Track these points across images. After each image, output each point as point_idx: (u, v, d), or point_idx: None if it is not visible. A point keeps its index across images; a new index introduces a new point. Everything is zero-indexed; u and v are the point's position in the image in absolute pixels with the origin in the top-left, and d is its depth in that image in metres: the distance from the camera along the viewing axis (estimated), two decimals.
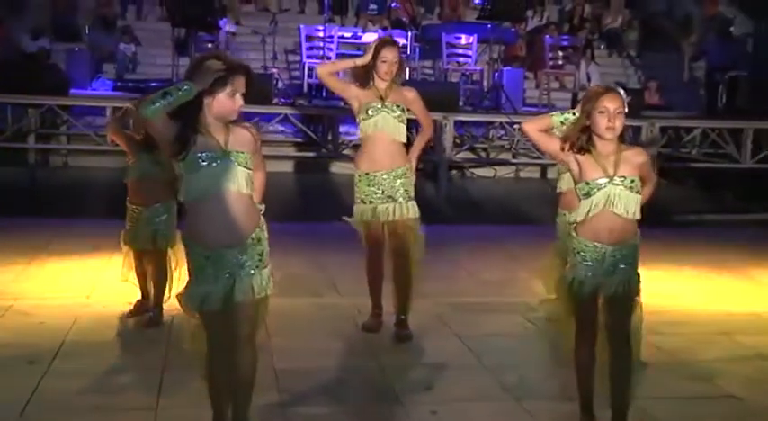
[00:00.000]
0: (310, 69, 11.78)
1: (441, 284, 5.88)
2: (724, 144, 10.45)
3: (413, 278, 4.83)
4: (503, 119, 10.67)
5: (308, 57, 11.96)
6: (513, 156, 10.81)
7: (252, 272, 3.09)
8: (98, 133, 9.35)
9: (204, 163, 3.00)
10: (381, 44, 4.70)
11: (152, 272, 4.91)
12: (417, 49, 12.62)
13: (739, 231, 8.53)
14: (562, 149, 3.40)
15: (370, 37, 12.09)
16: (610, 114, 3.28)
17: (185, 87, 2.92)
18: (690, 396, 4.12)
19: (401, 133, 4.70)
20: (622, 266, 3.38)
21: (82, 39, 12.98)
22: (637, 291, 3.43)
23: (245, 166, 3.06)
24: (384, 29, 13.07)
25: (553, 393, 4.10)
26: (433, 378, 4.25)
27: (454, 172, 10.73)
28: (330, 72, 4.92)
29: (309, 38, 12.08)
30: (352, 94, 4.75)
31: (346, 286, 5.69)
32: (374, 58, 4.63)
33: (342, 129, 10.04)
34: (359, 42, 12.16)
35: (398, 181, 4.68)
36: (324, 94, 11.41)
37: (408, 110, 4.75)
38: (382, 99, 4.66)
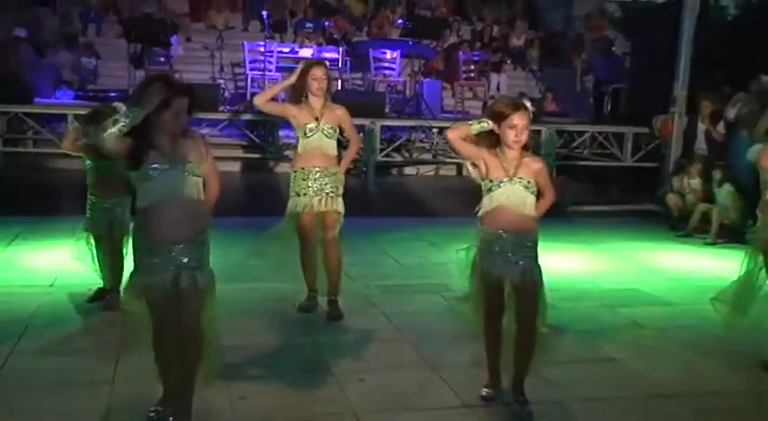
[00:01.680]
0: (253, 80, 11.69)
1: (369, 269, 5.91)
2: (609, 145, 10.82)
3: (342, 263, 4.84)
4: (423, 123, 10.77)
5: (251, 69, 11.84)
6: (433, 157, 10.92)
7: (193, 266, 3.00)
8: (61, 138, 9.05)
9: (155, 173, 2.94)
10: (310, 64, 4.65)
11: (108, 258, 4.79)
12: (348, 63, 12.58)
13: (621, 219, 8.78)
14: (476, 152, 3.40)
15: (306, 52, 12.04)
16: (517, 130, 3.32)
17: (134, 114, 2.85)
18: (576, 359, 4.25)
19: (333, 148, 4.71)
20: (524, 257, 3.37)
21: (46, 52, 12.53)
22: (540, 281, 3.40)
23: (193, 175, 3.00)
24: (319, 45, 13.00)
25: (465, 362, 4.16)
26: (362, 351, 4.27)
27: (381, 170, 10.77)
28: (266, 100, 4.75)
29: (252, 52, 11.94)
30: (290, 113, 4.68)
31: (285, 272, 5.63)
32: (304, 77, 4.57)
33: (281, 133, 10.00)
34: (296, 56, 12.02)
35: (328, 178, 4.67)
36: None
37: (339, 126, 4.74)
38: (317, 119, 4.62)
